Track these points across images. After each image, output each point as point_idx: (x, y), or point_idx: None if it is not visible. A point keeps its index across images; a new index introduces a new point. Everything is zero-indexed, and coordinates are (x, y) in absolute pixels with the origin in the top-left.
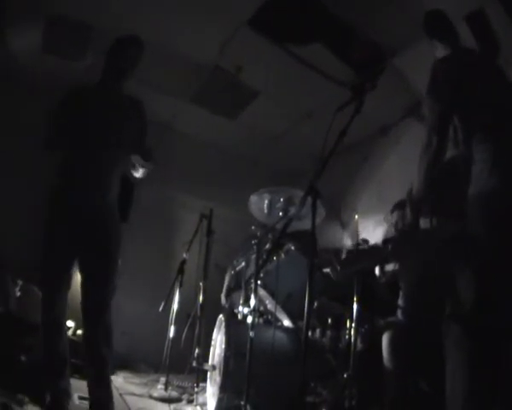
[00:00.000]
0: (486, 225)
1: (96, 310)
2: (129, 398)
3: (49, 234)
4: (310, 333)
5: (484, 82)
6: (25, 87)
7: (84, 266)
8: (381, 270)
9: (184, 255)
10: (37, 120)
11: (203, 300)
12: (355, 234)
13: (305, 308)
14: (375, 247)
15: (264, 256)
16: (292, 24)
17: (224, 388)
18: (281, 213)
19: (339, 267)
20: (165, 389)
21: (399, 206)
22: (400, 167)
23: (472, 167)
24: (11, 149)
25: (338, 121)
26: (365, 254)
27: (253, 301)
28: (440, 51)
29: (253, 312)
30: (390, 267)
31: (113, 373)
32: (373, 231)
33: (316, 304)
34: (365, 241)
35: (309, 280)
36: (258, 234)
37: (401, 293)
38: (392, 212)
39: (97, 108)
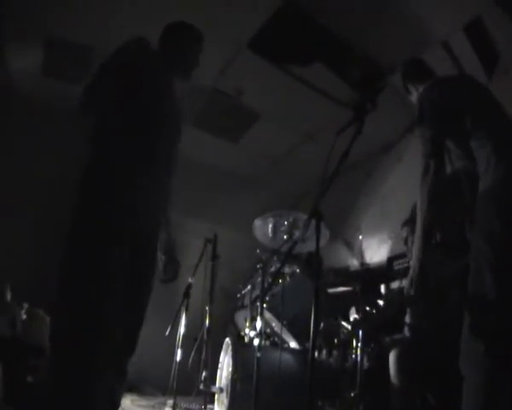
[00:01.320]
0: (500, 219)
1: (125, 354)
2: None
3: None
4: (316, 354)
5: (469, 98)
6: (23, 108)
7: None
8: (387, 288)
9: (190, 280)
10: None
11: (209, 323)
12: (359, 254)
13: (311, 329)
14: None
15: (270, 279)
16: (291, 44)
17: None
18: (285, 237)
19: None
20: None
21: (409, 222)
22: (403, 184)
23: (479, 167)
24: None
25: (340, 141)
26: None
27: (259, 324)
28: (420, 91)
29: (260, 334)
30: (396, 285)
31: None
32: (377, 249)
33: (322, 325)
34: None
35: (314, 301)
36: (264, 258)
37: (409, 309)
38: (402, 227)
39: (169, 92)
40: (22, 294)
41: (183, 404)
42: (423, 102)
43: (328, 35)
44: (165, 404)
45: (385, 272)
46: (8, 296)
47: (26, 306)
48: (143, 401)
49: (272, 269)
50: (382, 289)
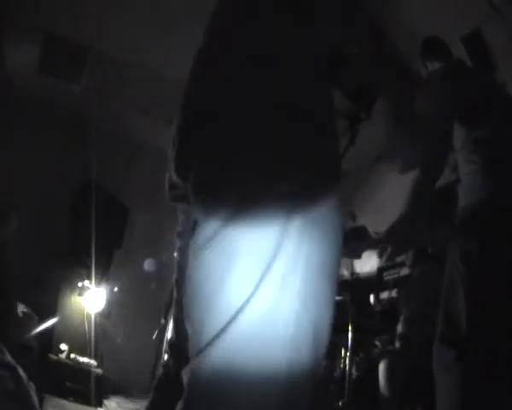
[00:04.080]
0: (478, 240)
1: None
2: None
3: None
4: None
5: (477, 88)
6: (23, 110)
7: None
8: (377, 298)
9: None
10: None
11: None
12: (349, 264)
13: None
14: None
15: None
16: None
17: None
18: None
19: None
20: None
21: None
22: (395, 195)
23: (463, 179)
24: None
25: None
26: None
27: None
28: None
29: None
30: (385, 295)
31: (106, 398)
32: (367, 259)
33: None
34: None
35: None
36: None
37: (401, 318)
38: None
39: None
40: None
41: None
42: (434, 83)
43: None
44: None
45: (375, 282)
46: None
47: (19, 305)
48: (129, 404)
49: None
50: (372, 299)
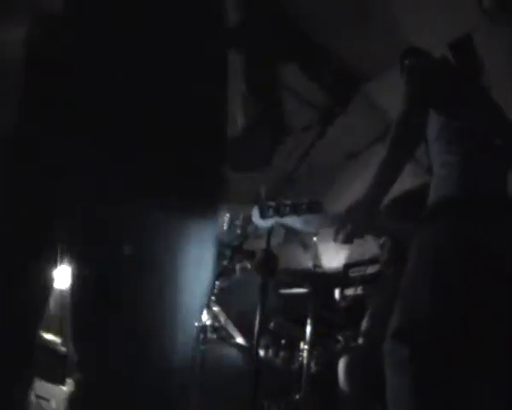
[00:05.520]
0: (452, 232)
1: None
2: None
3: None
4: (263, 352)
5: (457, 83)
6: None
7: None
8: (341, 294)
9: None
10: None
11: None
12: (315, 257)
13: (256, 326)
14: None
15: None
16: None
17: None
18: (239, 231)
19: None
20: None
21: None
22: None
23: (438, 171)
24: None
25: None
26: None
27: (204, 317)
28: None
29: (205, 327)
30: (350, 292)
31: (70, 376)
32: (335, 255)
33: (272, 324)
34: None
35: (261, 298)
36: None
37: (367, 313)
38: None
39: None
40: None
41: None
42: (412, 70)
43: (302, 37)
44: None
45: (340, 278)
46: None
47: None
48: None
49: (225, 263)
50: (336, 294)
